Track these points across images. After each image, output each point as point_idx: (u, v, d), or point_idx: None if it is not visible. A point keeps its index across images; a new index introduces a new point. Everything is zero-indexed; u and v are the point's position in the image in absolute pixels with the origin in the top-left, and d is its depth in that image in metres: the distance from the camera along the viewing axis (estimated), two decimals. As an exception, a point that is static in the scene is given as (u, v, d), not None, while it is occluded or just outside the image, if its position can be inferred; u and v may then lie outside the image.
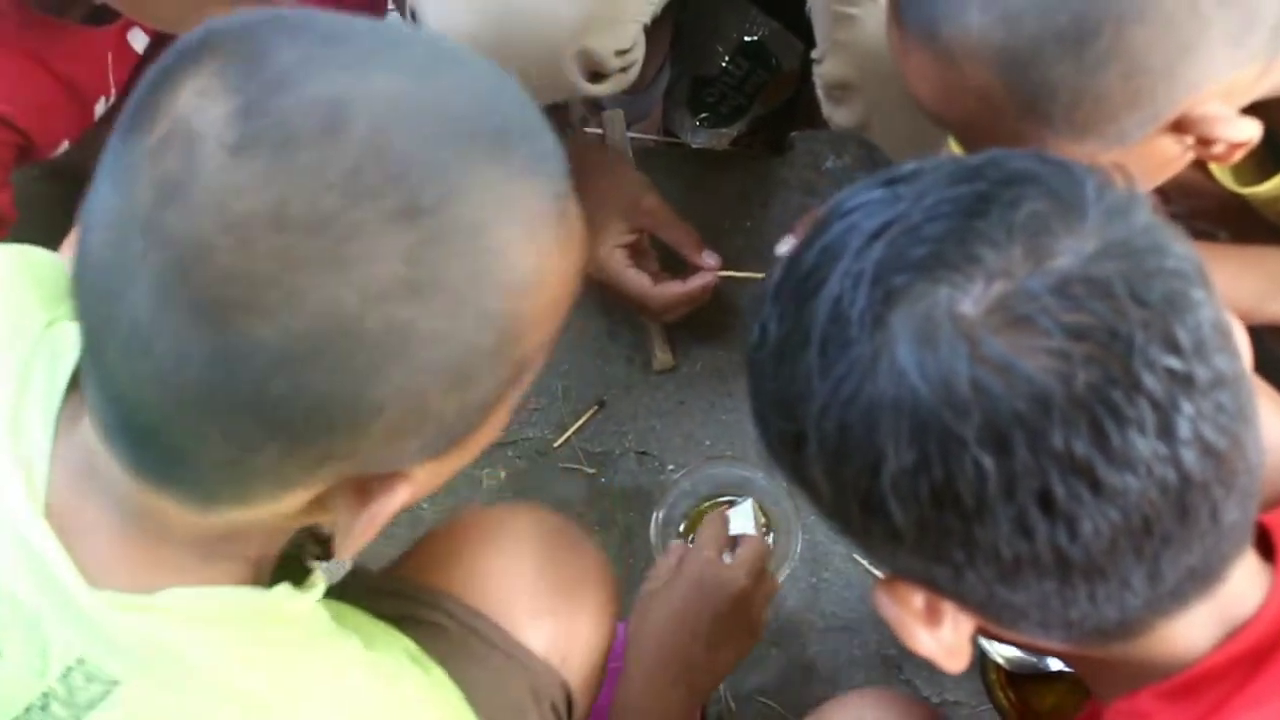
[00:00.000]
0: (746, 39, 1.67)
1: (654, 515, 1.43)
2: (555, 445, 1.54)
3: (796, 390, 0.64)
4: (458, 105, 0.63)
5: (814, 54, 1.25)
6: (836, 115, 1.26)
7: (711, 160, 1.66)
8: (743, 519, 1.46)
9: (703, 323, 1.57)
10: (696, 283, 1.42)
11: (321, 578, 0.77)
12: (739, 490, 1.47)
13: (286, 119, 0.58)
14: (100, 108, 1.26)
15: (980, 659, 1.32)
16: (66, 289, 0.64)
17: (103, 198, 0.62)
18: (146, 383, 0.61)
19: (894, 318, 0.61)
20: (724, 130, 1.71)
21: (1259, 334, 1.23)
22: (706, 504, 1.47)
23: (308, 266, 0.58)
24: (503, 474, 1.53)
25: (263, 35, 0.61)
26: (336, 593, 1.02)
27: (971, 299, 0.60)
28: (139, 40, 1.24)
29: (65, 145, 1.26)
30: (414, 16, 1.25)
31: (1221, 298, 1.05)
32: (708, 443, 1.53)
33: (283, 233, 0.57)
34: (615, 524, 1.51)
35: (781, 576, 1.43)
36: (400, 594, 0.97)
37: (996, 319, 0.59)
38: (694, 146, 1.69)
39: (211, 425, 0.61)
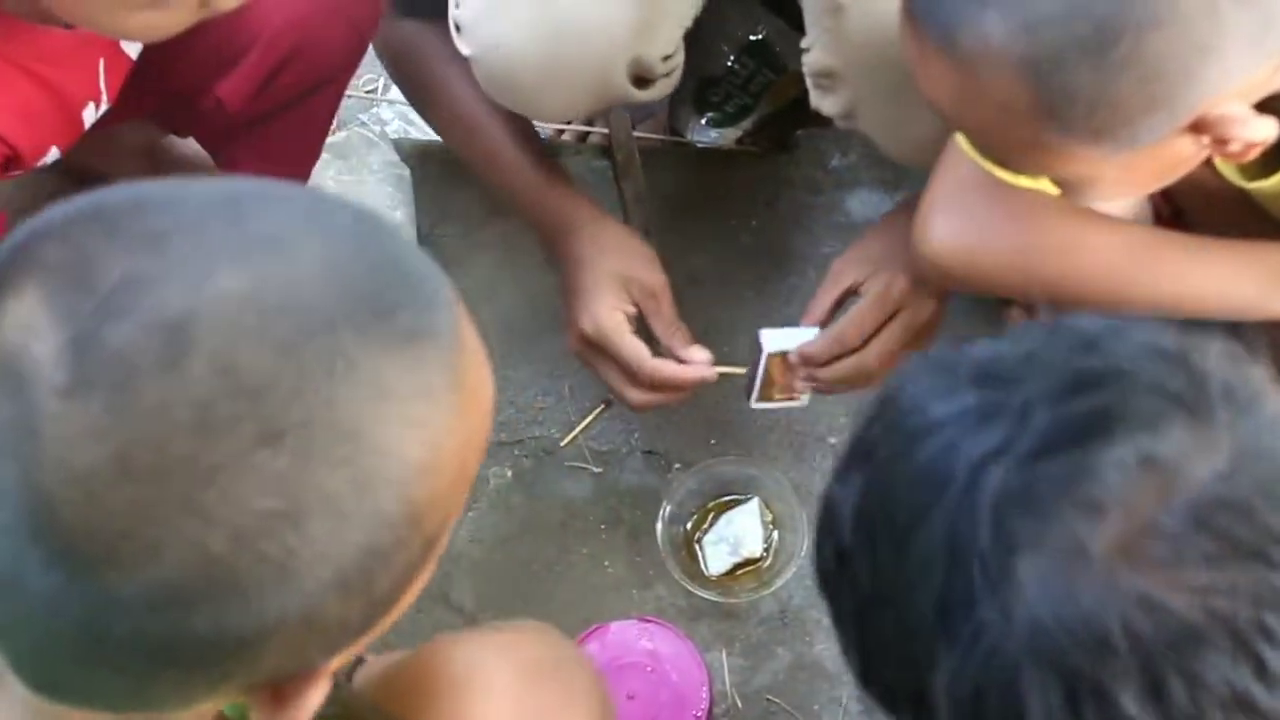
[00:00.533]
0: (752, 38, 1.66)
1: (660, 514, 1.43)
2: (562, 444, 1.54)
3: (913, 650, 0.59)
4: (315, 291, 0.56)
5: (803, 42, 1.26)
6: (824, 104, 1.27)
7: (716, 159, 1.66)
8: (749, 517, 1.46)
9: (707, 318, 1.57)
10: (694, 373, 1.31)
11: None
12: (745, 489, 1.47)
13: (120, 352, 0.53)
14: (89, 114, 1.25)
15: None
16: None
17: None
18: (25, 626, 0.56)
19: (1021, 566, 0.56)
20: (729, 130, 1.71)
21: (1265, 327, 1.23)
22: (713, 502, 1.48)
23: (164, 517, 0.53)
24: (509, 473, 1.54)
25: (87, 242, 0.56)
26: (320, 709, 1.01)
27: (1105, 537, 0.55)
28: (133, 47, 1.24)
29: (54, 153, 1.24)
30: (458, 29, 1.25)
31: (1225, 293, 1.06)
32: (714, 441, 1.53)
33: (131, 484, 0.52)
34: (622, 522, 1.51)
35: (787, 575, 1.43)
36: None
37: (1134, 556, 0.55)
38: (699, 146, 1.69)
39: (99, 667, 0.57)
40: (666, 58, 1.28)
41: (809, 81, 1.27)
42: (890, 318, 1.28)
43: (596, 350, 1.32)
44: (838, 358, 1.29)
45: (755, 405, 1.34)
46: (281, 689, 0.61)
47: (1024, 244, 1.16)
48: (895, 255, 1.25)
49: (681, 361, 1.32)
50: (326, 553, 0.56)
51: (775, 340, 1.30)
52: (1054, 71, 0.83)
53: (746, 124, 1.70)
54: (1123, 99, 0.84)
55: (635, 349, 1.30)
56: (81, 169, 1.56)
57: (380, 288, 0.58)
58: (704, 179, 1.64)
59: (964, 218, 1.18)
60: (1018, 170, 0.99)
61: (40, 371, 0.53)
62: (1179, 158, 0.92)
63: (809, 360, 1.30)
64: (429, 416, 0.58)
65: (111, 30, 1.08)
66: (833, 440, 1.52)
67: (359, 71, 1.65)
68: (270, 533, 0.54)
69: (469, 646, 1.04)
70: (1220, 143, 0.89)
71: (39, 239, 0.57)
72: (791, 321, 1.54)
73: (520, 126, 1.42)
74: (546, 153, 1.44)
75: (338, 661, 0.63)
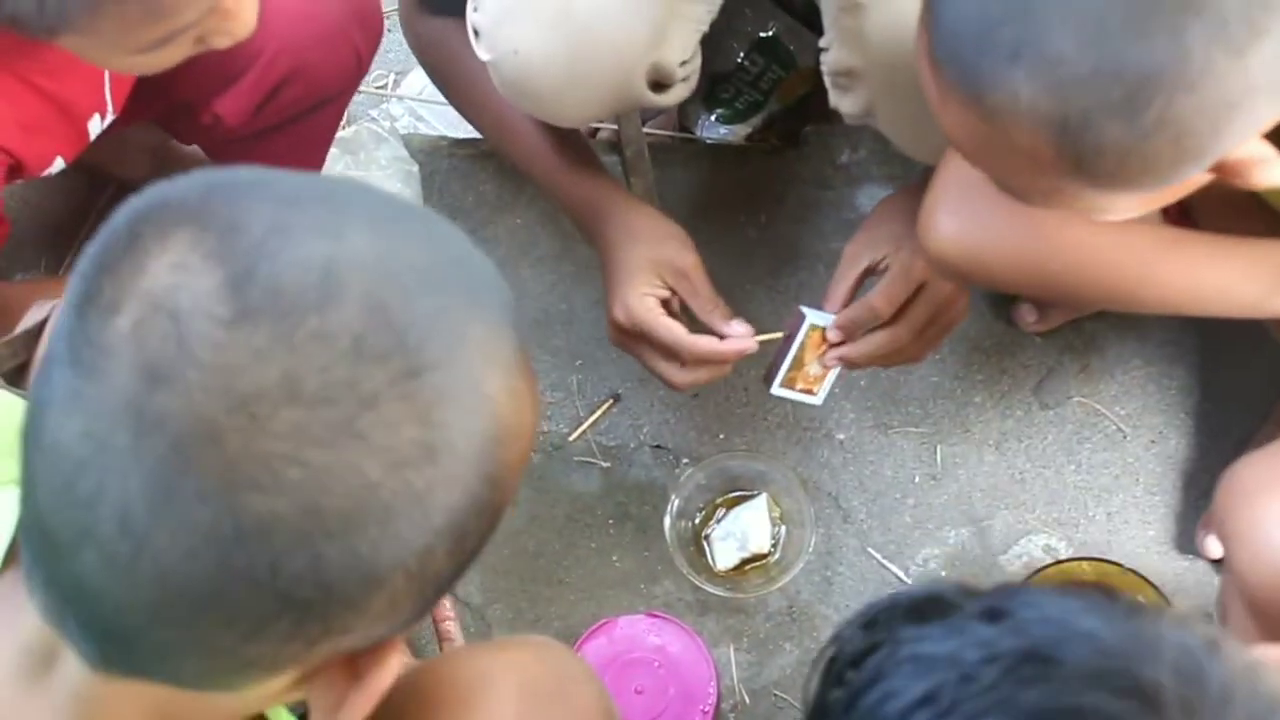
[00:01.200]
0: (762, 35, 1.66)
1: (668, 509, 1.43)
2: (570, 439, 1.54)
3: None
4: (427, 258, 0.60)
5: (821, 42, 1.26)
6: (843, 103, 1.27)
7: (726, 155, 1.66)
8: (756, 513, 1.46)
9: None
10: (734, 345, 1.30)
11: None
12: (753, 484, 1.48)
13: (281, 287, 0.55)
14: (95, 125, 1.26)
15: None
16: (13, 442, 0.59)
17: (65, 389, 0.56)
18: (140, 584, 0.55)
19: None
20: (739, 126, 1.71)
21: (1265, 326, 1.23)
22: (721, 498, 1.48)
23: (327, 440, 0.55)
24: (518, 467, 1.54)
25: (227, 201, 0.58)
26: None
27: None
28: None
29: (60, 163, 1.25)
30: (476, 34, 1.25)
31: (1229, 292, 1.05)
32: (722, 436, 1.53)
33: (296, 407, 0.54)
34: (629, 518, 1.51)
35: (795, 570, 1.43)
36: None
37: None
38: (708, 142, 1.69)
39: (213, 616, 0.56)
40: (684, 63, 1.28)
41: (827, 81, 1.27)
42: (916, 292, 1.28)
43: (635, 337, 1.32)
44: (869, 331, 1.30)
45: (776, 391, 1.32)
46: (355, 661, 0.62)
47: (1030, 243, 1.16)
48: (908, 234, 1.25)
49: (722, 337, 1.31)
50: (450, 492, 0.58)
51: (814, 315, 1.30)
52: (1083, 130, 0.82)
53: (756, 120, 1.70)
54: (1152, 155, 0.83)
55: (671, 329, 1.30)
56: (90, 168, 1.57)
57: (474, 268, 0.63)
58: (713, 175, 1.64)
59: (969, 216, 1.17)
60: (1034, 205, 0.98)
61: (200, 305, 0.55)
62: (1194, 184, 0.92)
63: (846, 328, 1.30)
64: (517, 381, 0.62)
65: (115, 68, 1.10)
66: (840, 437, 1.53)
67: (373, 69, 1.65)
68: (414, 462, 0.56)
69: (474, 663, 1.04)
70: (1236, 177, 0.89)
71: (175, 199, 0.59)
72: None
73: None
74: (577, 137, 1.44)
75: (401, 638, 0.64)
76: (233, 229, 0.57)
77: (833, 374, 1.33)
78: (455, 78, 1.43)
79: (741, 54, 1.66)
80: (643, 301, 1.31)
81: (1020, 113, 0.83)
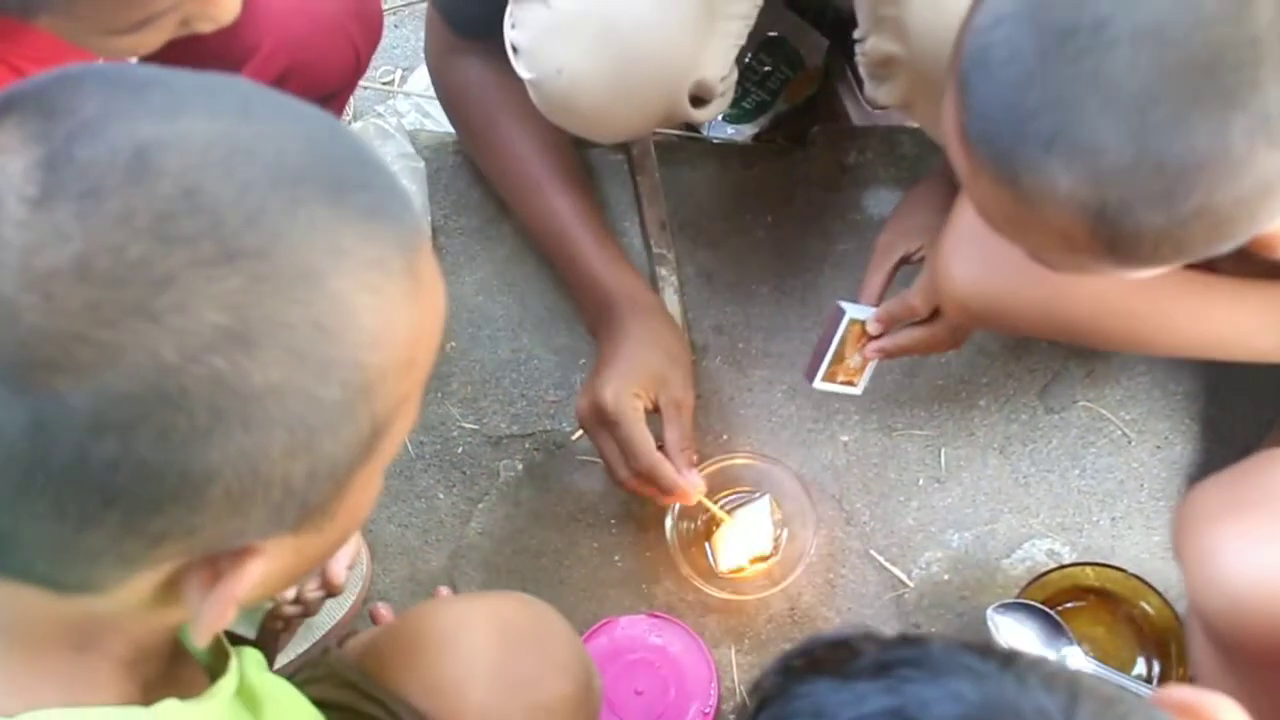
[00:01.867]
0: (770, 35, 1.66)
1: (670, 509, 1.43)
2: (573, 438, 1.54)
3: None
4: (282, 150, 0.59)
5: (856, 33, 1.25)
6: (879, 94, 1.26)
7: (732, 155, 1.66)
8: (759, 515, 1.46)
9: (721, 315, 1.57)
10: (685, 484, 1.33)
11: (229, 682, 0.74)
12: (755, 485, 1.47)
13: (90, 168, 0.56)
14: None
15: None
16: None
17: None
18: None
19: None
20: (746, 126, 1.71)
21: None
22: (722, 498, 1.47)
23: (118, 320, 0.54)
24: (520, 466, 1.54)
25: (68, 89, 0.58)
26: (305, 671, 1.02)
27: None
28: None
29: None
30: (515, 51, 1.25)
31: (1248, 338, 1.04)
32: (725, 437, 1.53)
33: (88, 286, 0.54)
34: (631, 517, 1.51)
35: (797, 572, 1.43)
36: (354, 686, 0.96)
37: None
38: (715, 142, 1.69)
39: (38, 502, 0.57)
40: (723, 78, 1.28)
41: (863, 71, 1.27)
42: None
43: (604, 423, 1.34)
44: (907, 326, 1.32)
45: (818, 385, 1.35)
46: (217, 565, 0.62)
47: (1047, 291, 1.15)
48: (940, 224, 1.25)
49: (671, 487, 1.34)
50: (273, 386, 0.57)
51: (853, 310, 1.33)
52: (1121, 218, 0.82)
53: (763, 120, 1.70)
54: (1187, 240, 0.83)
55: (646, 439, 1.33)
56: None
57: (348, 166, 0.62)
58: (720, 175, 1.64)
59: (985, 263, 1.17)
60: (1061, 272, 0.97)
61: (11, 184, 0.55)
62: None
63: (885, 322, 1.32)
64: (383, 286, 0.61)
65: (97, 50, 1.10)
66: (845, 439, 1.52)
67: (375, 63, 1.65)
68: (221, 349, 0.56)
69: (454, 609, 1.05)
70: (1266, 250, 0.89)
71: (24, 88, 0.59)
72: (812, 318, 1.55)
73: (580, 190, 1.47)
74: (607, 226, 1.50)
75: (279, 558, 0.63)
76: (61, 112, 0.57)
77: (872, 364, 1.37)
78: (480, 134, 1.47)
79: (749, 54, 1.66)
80: (632, 400, 1.33)
81: (1056, 199, 0.82)
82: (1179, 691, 0.63)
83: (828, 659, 0.60)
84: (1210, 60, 0.77)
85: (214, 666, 0.78)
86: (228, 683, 0.74)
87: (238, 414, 0.57)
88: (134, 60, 1.17)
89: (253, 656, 0.84)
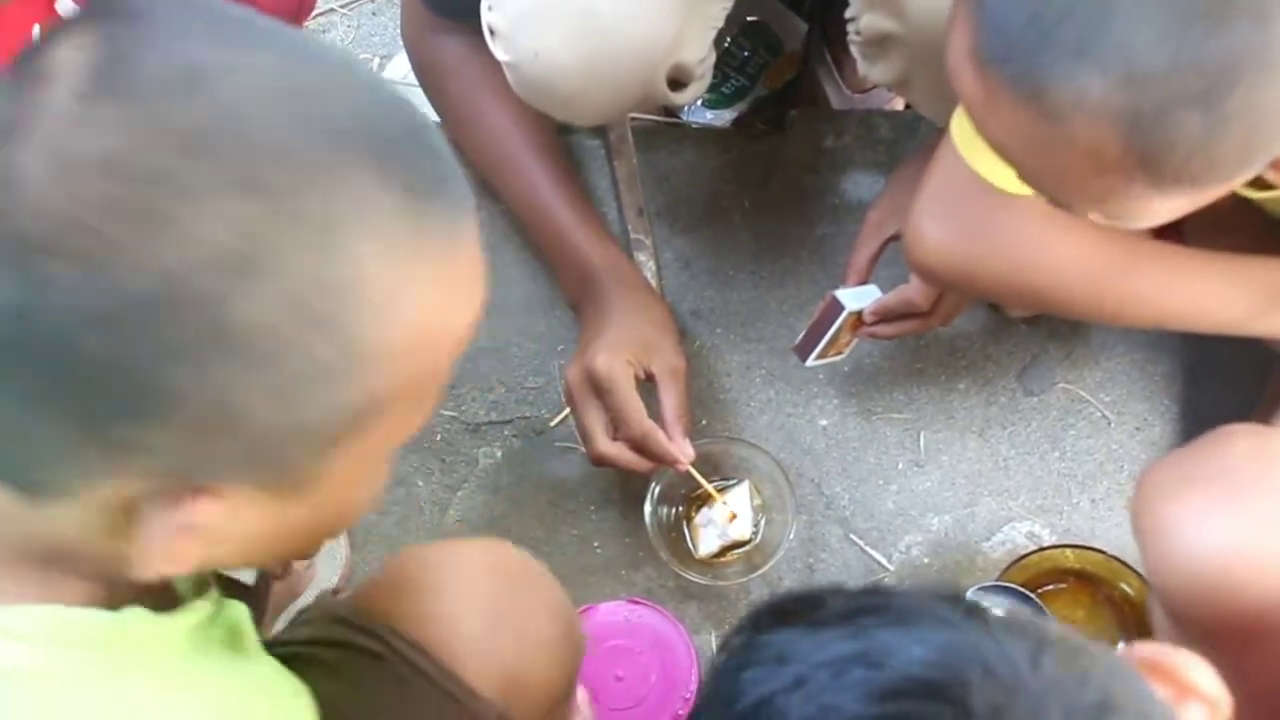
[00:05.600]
0: (749, 19, 1.66)
1: (649, 495, 1.43)
2: (552, 424, 1.53)
3: None
4: (341, 104, 0.60)
5: (848, 12, 1.25)
6: (873, 72, 1.25)
7: (710, 139, 1.65)
8: (738, 500, 1.45)
9: (699, 300, 1.57)
10: (675, 450, 1.32)
11: (202, 605, 0.73)
12: (735, 470, 1.47)
13: (143, 74, 0.56)
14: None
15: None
16: None
17: None
18: None
19: None
20: (725, 110, 1.70)
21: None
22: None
23: (129, 219, 0.55)
24: (499, 453, 1.53)
25: (158, 4, 0.60)
26: (296, 620, 1.02)
27: None
28: (65, 7, 1.22)
29: None
30: (492, 33, 1.24)
31: (1214, 310, 1.02)
32: (704, 422, 1.52)
33: (109, 181, 0.55)
34: (611, 503, 1.51)
35: (776, 557, 1.42)
36: (346, 621, 0.96)
37: None
38: (694, 126, 1.68)
39: (9, 382, 0.57)
40: (701, 60, 1.28)
41: (855, 50, 1.26)
42: None
43: (593, 392, 1.32)
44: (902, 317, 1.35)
45: (811, 363, 1.39)
46: (179, 497, 0.61)
47: (1014, 255, 1.15)
48: None
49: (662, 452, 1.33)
50: (262, 324, 0.57)
51: (850, 299, 1.34)
52: (1156, 124, 0.79)
53: (742, 105, 1.70)
54: (1220, 151, 0.80)
55: (639, 406, 1.31)
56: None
57: (405, 140, 0.62)
58: (698, 159, 1.63)
59: (955, 229, 1.16)
60: (1069, 208, 0.94)
61: (66, 75, 0.56)
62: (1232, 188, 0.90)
63: (881, 315, 1.33)
64: (406, 263, 0.60)
65: None
66: (824, 423, 1.52)
67: (355, 51, 1.64)
68: (218, 269, 0.56)
69: (445, 549, 1.06)
70: None
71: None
72: (790, 303, 1.55)
73: (560, 165, 1.47)
74: (588, 200, 1.49)
75: (244, 512, 0.62)
76: (136, 21, 0.58)
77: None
78: (456, 109, 1.45)
79: (728, 39, 1.65)
80: (624, 368, 1.32)
81: (1086, 109, 0.80)
82: (1147, 648, 0.63)
83: (795, 610, 0.60)
84: None
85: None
86: (201, 605, 0.73)
87: (219, 341, 0.56)
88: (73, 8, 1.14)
89: (242, 608, 0.83)
